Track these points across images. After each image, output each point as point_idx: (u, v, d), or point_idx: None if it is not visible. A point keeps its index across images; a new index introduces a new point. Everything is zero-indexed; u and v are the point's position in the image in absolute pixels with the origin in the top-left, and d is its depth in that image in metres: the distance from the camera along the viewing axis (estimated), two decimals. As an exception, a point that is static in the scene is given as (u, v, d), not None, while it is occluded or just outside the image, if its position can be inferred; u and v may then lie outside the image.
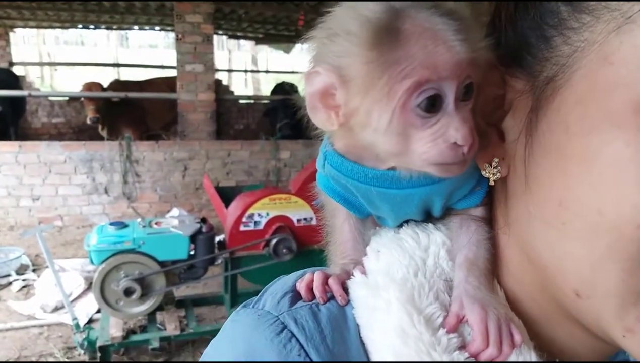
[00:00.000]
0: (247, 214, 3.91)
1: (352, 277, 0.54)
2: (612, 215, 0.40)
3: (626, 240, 0.40)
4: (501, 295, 0.52)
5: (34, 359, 3.96)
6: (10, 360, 3.91)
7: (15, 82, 8.82)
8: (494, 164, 0.50)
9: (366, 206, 0.55)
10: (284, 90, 9.12)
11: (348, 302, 0.52)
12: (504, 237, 0.53)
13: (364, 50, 0.44)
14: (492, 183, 0.51)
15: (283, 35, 11.16)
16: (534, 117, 0.46)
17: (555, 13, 0.44)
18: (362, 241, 0.58)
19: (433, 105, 0.44)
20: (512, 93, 0.49)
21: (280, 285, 0.56)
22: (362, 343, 0.49)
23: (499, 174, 0.50)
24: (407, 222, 0.56)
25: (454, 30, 0.43)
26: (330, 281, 0.54)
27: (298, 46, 13.52)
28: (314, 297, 0.53)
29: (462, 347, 0.46)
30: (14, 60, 10.62)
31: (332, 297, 0.53)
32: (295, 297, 0.53)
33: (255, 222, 3.94)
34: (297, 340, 0.47)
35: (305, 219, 4.01)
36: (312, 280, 0.54)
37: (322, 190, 0.58)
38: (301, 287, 0.54)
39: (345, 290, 0.53)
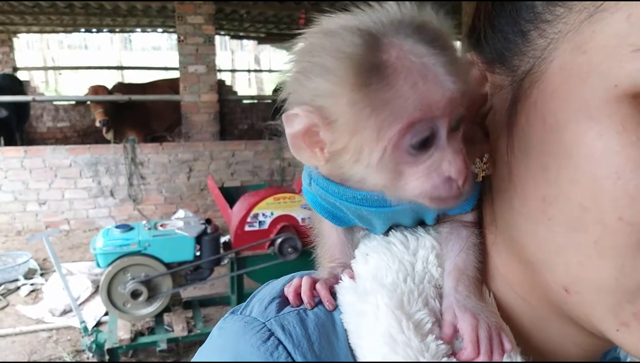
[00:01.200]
0: (251, 214, 3.91)
1: (340, 281, 0.53)
2: (594, 209, 0.39)
3: (612, 234, 0.39)
4: (490, 301, 0.51)
5: (43, 363, 3.98)
6: (20, 364, 3.94)
7: (19, 87, 8.87)
8: (484, 159, 0.49)
9: (356, 221, 0.54)
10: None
11: (336, 307, 0.52)
12: (491, 236, 0.53)
13: (347, 91, 0.40)
14: (479, 179, 0.50)
15: (285, 34, 11.14)
16: (512, 112, 0.46)
17: (531, 7, 0.44)
18: (350, 244, 0.58)
19: (425, 143, 0.42)
20: (492, 89, 0.49)
21: (268, 290, 0.55)
22: (351, 349, 0.49)
23: (488, 170, 0.50)
24: (396, 224, 0.55)
25: (443, 62, 0.40)
26: (318, 286, 0.54)
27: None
28: (301, 302, 0.52)
29: (451, 353, 0.46)
30: (18, 65, 10.67)
31: (321, 302, 0.53)
32: (283, 302, 0.53)
33: (260, 222, 3.94)
34: (284, 347, 0.47)
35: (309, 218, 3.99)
36: (300, 285, 0.54)
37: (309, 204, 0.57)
38: (289, 292, 0.53)
39: (333, 294, 0.53)
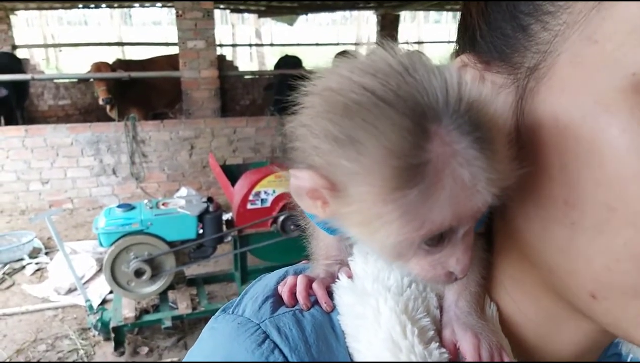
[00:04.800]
0: (253, 192, 3.90)
1: (337, 280, 0.51)
2: (622, 210, 0.36)
3: None
4: (492, 313, 0.49)
5: (49, 341, 4.03)
6: (27, 342, 3.99)
7: (17, 65, 8.79)
8: None
9: None
10: (287, 63, 9.00)
11: (334, 308, 0.49)
12: (498, 245, 0.50)
13: (379, 188, 0.35)
14: None
15: (285, 7, 10.96)
16: (519, 112, 0.42)
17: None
18: (347, 241, 0.54)
19: (441, 240, 0.40)
20: (492, 90, 0.45)
21: (261, 287, 0.53)
22: (349, 353, 0.46)
23: None
24: None
25: (487, 169, 0.36)
26: (315, 286, 0.51)
27: (301, 18, 13.34)
28: (297, 302, 0.50)
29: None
30: (18, 43, 10.56)
31: (317, 302, 0.50)
32: (277, 301, 0.50)
33: (262, 200, 3.93)
34: (281, 350, 0.44)
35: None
36: (295, 284, 0.51)
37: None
38: (283, 292, 0.51)
39: (330, 294, 0.50)
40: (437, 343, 0.45)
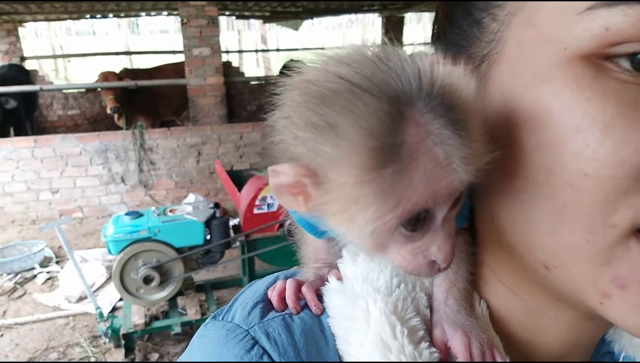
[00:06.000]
0: (259, 197, 3.91)
1: (327, 283, 0.51)
2: (559, 170, 0.39)
3: (579, 193, 0.38)
4: (482, 310, 0.50)
5: (61, 349, 4.06)
6: (39, 351, 4.02)
7: (26, 77, 8.89)
8: None
9: None
10: (292, 68, 9.00)
11: (323, 310, 0.50)
12: (482, 236, 0.51)
13: (358, 168, 0.36)
14: None
15: (290, 12, 10.99)
16: (481, 96, 0.45)
17: None
18: (336, 244, 0.54)
19: (420, 224, 0.40)
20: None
21: (251, 293, 0.53)
22: (339, 355, 0.46)
23: None
24: None
25: (462, 149, 0.37)
26: (304, 289, 0.51)
27: (307, 22, 13.36)
28: (286, 307, 0.50)
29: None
30: (26, 54, 10.68)
31: (307, 305, 0.50)
32: (267, 306, 0.50)
33: (269, 204, 3.94)
34: (270, 356, 0.44)
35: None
36: (285, 289, 0.51)
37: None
38: (273, 296, 0.51)
39: (320, 297, 0.51)
40: (428, 343, 0.44)
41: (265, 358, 0.44)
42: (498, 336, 0.48)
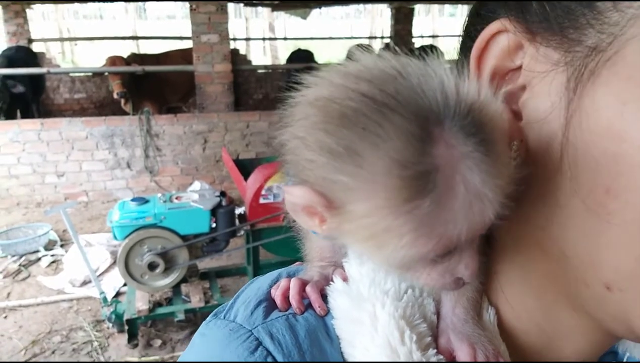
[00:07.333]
0: (265, 187, 3.90)
1: (331, 283, 0.50)
2: None
3: None
4: (490, 318, 0.48)
5: (64, 332, 4.08)
6: (42, 334, 4.04)
7: (32, 59, 8.87)
8: (514, 147, 0.42)
9: None
10: (300, 57, 8.98)
11: (328, 311, 0.48)
12: (501, 242, 0.49)
13: (383, 202, 0.33)
14: None
15: (299, 0, 10.94)
16: (573, 93, 0.39)
17: None
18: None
19: (450, 251, 0.38)
20: (540, 65, 0.41)
21: (254, 291, 0.52)
22: (344, 358, 0.45)
23: (519, 159, 0.42)
24: None
25: (493, 174, 0.34)
26: (308, 289, 0.50)
27: (315, 11, 13.30)
28: (290, 306, 0.49)
29: None
30: (34, 37, 10.66)
31: (310, 305, 0.49)
32: (270, 305, 0.49)
33: (275, 194, 3.92)
34: (274, 358, 0.43)
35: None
36: (288, 288, 0.50)
37: None
38: (276, 296, 0.50)
39: (324, 297, 0.49)
40: (435, 350, 0.44)
41: (270, 360, 0.43)
42: (505, 345, 0.47)
